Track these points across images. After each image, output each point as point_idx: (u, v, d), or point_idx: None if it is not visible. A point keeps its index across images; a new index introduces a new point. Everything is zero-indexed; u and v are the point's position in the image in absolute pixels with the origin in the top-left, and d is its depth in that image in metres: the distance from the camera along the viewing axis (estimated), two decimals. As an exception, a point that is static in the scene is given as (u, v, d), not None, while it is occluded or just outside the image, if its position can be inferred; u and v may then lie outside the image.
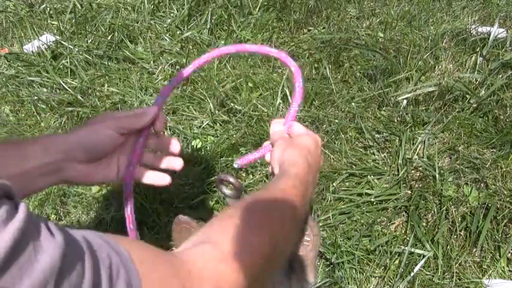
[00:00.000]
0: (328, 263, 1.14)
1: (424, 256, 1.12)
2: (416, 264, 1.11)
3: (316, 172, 0.71)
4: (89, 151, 0.63)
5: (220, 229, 0.50)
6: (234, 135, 1.46)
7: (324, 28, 2.06)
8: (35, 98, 1.67)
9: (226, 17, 2.08)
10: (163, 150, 0.75)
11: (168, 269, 0.43)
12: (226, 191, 0.77)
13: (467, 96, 1.55)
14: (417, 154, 1.38)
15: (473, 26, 1.94)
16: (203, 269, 0.45)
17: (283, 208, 0.56)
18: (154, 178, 0.75)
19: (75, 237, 0.35)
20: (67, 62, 1.83)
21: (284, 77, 1.67)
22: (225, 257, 0.46)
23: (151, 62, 1.83)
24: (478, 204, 1.20)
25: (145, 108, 0.71)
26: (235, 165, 0.76)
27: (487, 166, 1.28)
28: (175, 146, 0.74)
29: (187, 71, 0.77)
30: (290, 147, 0.71)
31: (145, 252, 0.42)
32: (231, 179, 0.75)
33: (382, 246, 1.16)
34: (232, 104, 1.57)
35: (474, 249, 1.14)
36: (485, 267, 1.11)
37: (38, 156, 0.59)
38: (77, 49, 1.88)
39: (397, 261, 1.13)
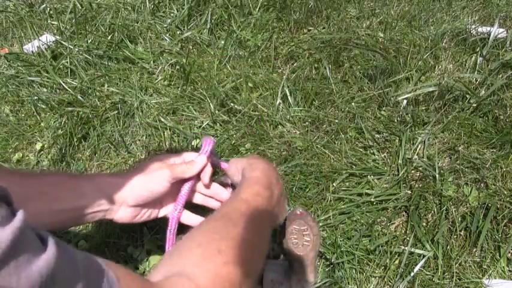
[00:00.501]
0: (328, 263, 1.14)
1: (424, 256, 1.12)
2: (416, 264, 1.10)
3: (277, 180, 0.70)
4: (140, 199, 0.67)
5: (192, 260, 0.50)
6: (234, 135, 1.47)
7: (324, 28, 2.06)
8: (35, 98, 1.67)
9: (226, 17, 2.07)
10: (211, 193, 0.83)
11: None
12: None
13: (467, 96, 1.55)
14: (417, 154, 1.38)
15: (473, 26, 1.94)
16: None
17: (250, 223, 0.56)
18: (193, 220, 0.81)
19: (69, 252, 0.36)
20: (67, 62, 1.83)
21: (284, 77, 1.67)
22: None
23: (151, 62, 1.83)
24: (478, 204, 1.20)
25: (196, 157, 0.77)
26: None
27: (487, 166, 1.28)
28: (222, 195, 0.82)
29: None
30: (247, 158, 0.73)
31: (132, 282, 0.43)
32: (231, 182, 0.77)
33: (382, 246, 1.16)
34: (232, 104, 1.57)
35: (474, 249, 1.14)
36: (485, 267, 1.11)
37: (92, 195, 0.63)
38: (77, 49, 1.88)
39: (397, 261, 1.13)
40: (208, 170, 0.77)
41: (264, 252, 0.62)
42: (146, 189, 0.67)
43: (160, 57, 1.87)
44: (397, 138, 1.43)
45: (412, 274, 1.09)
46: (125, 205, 0.66)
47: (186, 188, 0.74)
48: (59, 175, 0.64)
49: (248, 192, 0.60)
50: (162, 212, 0.78)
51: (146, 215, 0.74)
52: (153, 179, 0.68)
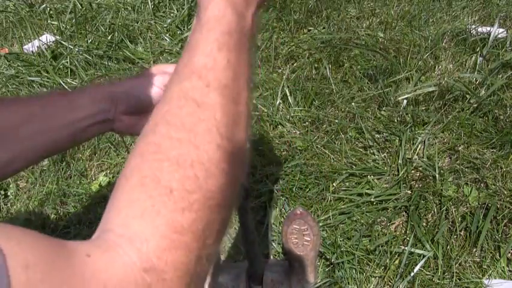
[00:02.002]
0: (328, 263, 1.14)
1: (424, 256, 1.12)
2: (416, 264, 1.10)
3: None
4: (132, 104, 0.64)
5: (131, 209, 0.33)
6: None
7: (324, 28, 2.06)
8: (35, 98, 1.67)
9: (226, 17, 2.07)
10: None
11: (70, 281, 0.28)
12: None
13: (467, 96, 1.55)
14: (417, 154, 1.38)
15: (473, 26, 1.94)
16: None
17: (220, 106, 0.37)
18: None
19: None
20: (67, 62, 1.83)
21: (284, 77, 1.67)
22: (150, 264, 0.30)
23: (151, 62, 1.83)
24: (478, 204, 1.20)
25: None
26: None
27: (487, 166, 1.28)
28: None
29: None
30: None
31: (38, 252, 0.28)
32: None
33: (382, 246, 1.16)
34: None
35: (474, 249, 1.14)
36: (485, 267, 1.11)
37: (86, 106, 0.60)
38: (77, 49, 1.88)
39: (397, 261, 1.13)
40: None
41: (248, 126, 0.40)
42: (136, 94, 0.64)
43: (160, 57, 1.87)
44: (397, 138, 1.43)
45: (412, 274, 1.09)
46: (118, 112, 0.64)
47: None
48: (49, 95, 0.61)
49: (204, 29, 0.39)
50: None
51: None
52: (144, 84, 0.64)
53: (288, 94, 1.59)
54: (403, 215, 1.24)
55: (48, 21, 2.17)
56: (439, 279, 1.09)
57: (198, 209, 0.33)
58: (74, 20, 2.03)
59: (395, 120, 1.51)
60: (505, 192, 1.20)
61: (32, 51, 1.93)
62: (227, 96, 0.38)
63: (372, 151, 1.41)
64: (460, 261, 1.11)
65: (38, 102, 0.59)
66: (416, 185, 1.29)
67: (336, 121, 1.48)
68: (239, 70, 0.39)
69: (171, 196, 0.32)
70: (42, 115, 0.58)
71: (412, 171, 1.33)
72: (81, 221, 1.26)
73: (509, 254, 1.14)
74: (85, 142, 1.15)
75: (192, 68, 0.38)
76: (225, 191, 0.36)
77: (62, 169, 1.43)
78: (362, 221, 1.21)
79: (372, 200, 1.24)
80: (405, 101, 1.56)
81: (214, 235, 0.34)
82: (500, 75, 1.64)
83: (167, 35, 1.99)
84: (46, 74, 1.79)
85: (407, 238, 1.16)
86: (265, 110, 1.54)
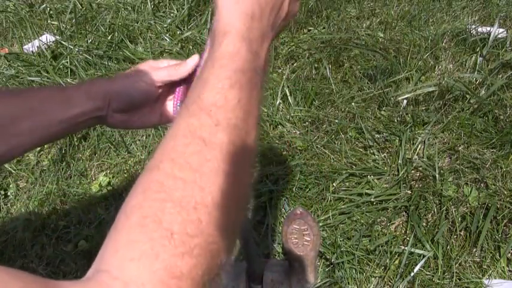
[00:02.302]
0: (328, 263, 1.14)
1: (424, 256, 1.12)
2: (416, 264, 1.10)
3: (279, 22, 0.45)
4: (124, 102, 0.65)
5: (128, 251, 0.31)
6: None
7: (324, 28, 2.06)
8: (35, 98, 1.67)
9: (226, 17, 2.07)
10: None
11: None
12: None
13: (467, 96, 1.55)
14: (417, 154, 1.38)
15: (473, 26, 1.94)
16: None
17: (226, 153, 0.35)
18: None
19: None
20: (67, 62, 1.83)
21: (284, 77, 1.67)
22: None
23: (151, 62, 1.84)
24: (478, 204, 1.20)
25: (188, 59, 0.66)
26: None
27: (487, 166, 1.28)
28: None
29: None
30: None
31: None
32: None
33: (382, 246, 1.16)
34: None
35: (474, 249, 1.14)
36: (485, 267, 1.11)
37: (82, 103, 0.62)
38: (77, 49, 1.88)
39: (397, 261, 1.13)
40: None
41: (249, 183, 0.39)
42: (128, 93, 0.64)
43: (160, 57, 1.87)
44: (397, 138, 1.43)
45: (412, 274, 1.09)
46: (111, 111, 0.65)
47: (178, 92, 0.67)
48: (48, 90, 0.63)
49: (213, 74, 0.38)
50: (156, 118, 0.71)
51: (140, 120, 0.70)
52: (135, 83, 0.64)
53: (288, 94, 1.59)
54: (403, 215, 1.24)
55: (48, 21, 2.17)
56: (439, 279, 1.09)
57: (199, 254, 0.31)
58: (74, 20, 2.03)
59: (395, 120, 1.51)
60: (505, 192, 1.20)
61: (32, 51, 1.93)
62: (236, 137, 0.36)
63: (372, 151, 1.41)
64: (460, 261, 1.11)
65: (37, 97, 0.61)
66: (416, 185, 1.29)
67: (336, 121, 1.48)
68: (249, 109, 0.38)
69: (171, 239, 0.30)
70: (41, 110, 0.60)
71: (412, 171, 1.33)
72: (81, 221, 1.26)
73: (509, 254, 1.14)
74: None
75: (201, 104, 0.37)
76: (228, 234, 0.34)
77: (62, 169, 1.43)
78: (362, 221, 1.21)
79: (372, 200, 1.24)
80: (405, 101, 1.56)
81: (213, 278, 0.33)
82: (500, 75, 1.64)
83: (167, 35, 1.99)
84: (46, 74, 1.79)
85: (407, 238, 1.16)
86: (265, 110, 1.54)
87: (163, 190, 0.33)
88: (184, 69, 0.65)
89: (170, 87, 0.68)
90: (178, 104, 0.67)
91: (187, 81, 0.66)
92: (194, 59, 0.65)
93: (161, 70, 0.66)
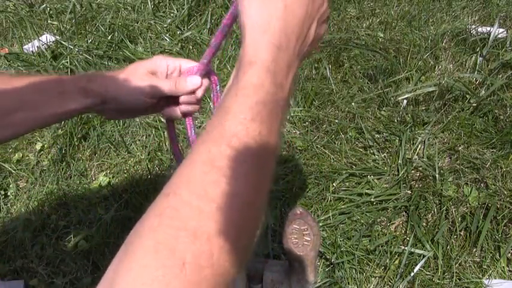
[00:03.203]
0: (328, 263, 1.14)
1: (424, 256, 1.12)
2: (416, 264, 1.10)
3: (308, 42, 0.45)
4: (120, 105, 0.66)
5: (140, 277, 0.30)
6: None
7: (324, 28, 2.05)
8: (35, 98, 1.67)
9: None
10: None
11: None
12: None
13: (467, 96, 1.55)
14: (417, 154, 1.38)
15: (473, 26, 1.94)
16: None
17: (244, 180, 0.35)
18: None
19: None
20: (67, 62, 1.83)
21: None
22: None
23: (151, 62, 1.83)
24: (478, 204, 1.20)
25: (188, 77, 0.64)
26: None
27: (487, 166, 1.28)
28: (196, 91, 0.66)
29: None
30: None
31: None
32: None
33: (382, 246, 1.16)
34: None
35: (474, 249, 1.14)
36: (485, 267, 1.11)
37: (78, 99, 0.63)
38: (77, 49, 1.89)
39: (397, 261, 1.13)
40: (203, 88, 0.65)
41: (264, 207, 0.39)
42: (127, 101, 0.64)
43: (160, 57, 1.87)
44: (397, 138, 1.43)
45: (412, 274, 1.09)
46: (108, 108, 0.65)
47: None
48: (43, 81, 0.62)
49: (237, 112, 0.37)
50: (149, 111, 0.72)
51: (132, 116, 0.73)
52: (134, 94, 0.63)
53: (288, 94, 1.59)
54: (403, 215, 1.24)
55: (48, 21, 2.17)
56: (439, 279, 1.09)
57: (208, 284, 0.32)
58: (74, 20, 2.04)
59: (395, 120, 1.51)
60: (505, 192, 1.20)
61: (32, 51, 1.93)
62: (254, 167, 0.37)
63: (372, 151, 1.41)
64: (460, 261, 1.11)
65: (30, 88, 0.61)
66: (416, 185, 1.29)
67: (336, 121, 1.48)
68: (268, 141, 0.38)
69: (183, 269, 0.31)
70: (34, 103, 0.61)
71: (412, 171, 1.33)
72: (81, 221, 1.26)
73: (509, 254, 1.14)
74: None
75: (223, 133, 0.37)
76: (239, 260, 0.35)
77: (62, 169, 1.43)
78: (362, 221, 1.21)
79: (372, 200, 1.24)
80: (405, 101, 1.56)
81: None
82: (500, 75, 1.64)
83: (167, 35, 1.99)
84: (46, 74, 1.79)
85: (407, 238, 1.16)
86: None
87: (179, 217, 0.33)
88: (183, 89, 0.65)
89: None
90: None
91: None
92: (195, 81, 0.64)
93: (161, 85, 0.65)
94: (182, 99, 0.67)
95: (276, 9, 0.41)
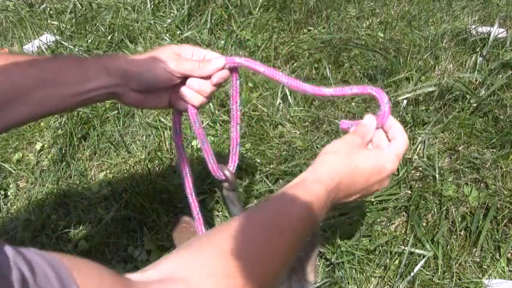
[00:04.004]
0: (328, 263, 1.14)
1: (424, 256, 1.12)
2: (416, 264, 1.11)
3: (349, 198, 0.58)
4: (142, 84, 0.66)
5: (199, 261, 0.41)
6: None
7: (324, 28, 2.06)
8: (35, 98, 1.67)
9: (226, 17, 2.08)
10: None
11: None
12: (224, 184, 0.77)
13: (467, 96, 1.55)
14: (417, 154, 1.38)
15: (473, 26, 1.94)
16: None
17: (277, 246, 0.46)
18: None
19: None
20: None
21: (284, 77, 1.67)
22: None
23: (151, 62, 1.83)
24: (478, 204, 1.20)
25: (214, 58, 0.68)
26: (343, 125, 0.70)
27: (487, 166, 1.28)
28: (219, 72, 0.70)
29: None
30: (349, 157, 0.56)
31: (93, 274, 0.35)
32: (226, 172, 0.76)
33: (382, 246, 1.16)
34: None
35: (474, 249, 1.14)
36: (485, 267, 1.11)
37: (99, 78, 0.62)
38: (77, 49, 1.88)
39: (397, 261, 1.13)
40: (223, 74, 0.68)
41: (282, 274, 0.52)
42: (149, 77, 0.64)
43: (160, 57, 1.87)
44: (397, 138, 1.43)
45: (412, 274, 1.09)
46: (128, 89, 0.65)
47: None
48: (63, 60, 0.62)
49: (294, 210, 0.50)
50: (167, 101, 0.72)
51: (154, 102, 0.70)
52: (158, 69, 0.64)
53: (288, 94, 1.59)
54: (403, 215, 1.24)
55: (48, 21, 2.17)
56: (439, 279, 1.09)
57: None
58: (74, 20, 2.04)
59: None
60: (505, 192, 1.20)
61: (32, 51, 1.93)
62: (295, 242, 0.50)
63: (372, 151, 1.41)
64: (460, 261, 1.11)
65: (52, 67, 0.60)
66: (416, 185, 1.29)
67: (336, 121, 1.48)
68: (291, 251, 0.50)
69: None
70: (54, 82, 0.59)
71: (412, 171, 1.33)
72: (81, 221, 1.26)
73: (509, 254, 1.14)
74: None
75: (277, 219, 0.49)
76: None
77: (62, 169, 1.43)
78: (362, 221, 1.21)
79: (372, 200, 1.24)
80: (405, 101, 1.56)
81: None
82: (500, 75, 1.64)
83: (167, 35, 1.99)
84: (46, 74, 1.79)
85: (407, 238, 1.16)
86: (265, 110, 1.54)
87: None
88: (208, 69, 0.67)
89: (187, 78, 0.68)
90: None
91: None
92: (219, 62, 0.66)
93: (185, 62, 0.66)
94: (194, 85, 0.69)
95: (349, 166, 0.55)
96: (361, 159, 0.57)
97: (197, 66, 0.66)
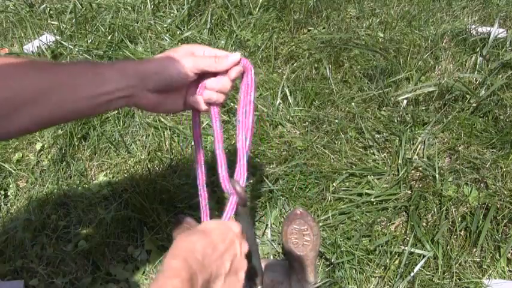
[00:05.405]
0: (328, 263, 1.14)
1: (424, 256, 1.12)
2: (416, 264, 1.11)
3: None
4: (161, 83, 0.65)
5: None
6: (234, 135, 1.46)
7: (324, 28, 2.06)
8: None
9: (226, 17, 2.08)
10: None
11: None
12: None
13: (467, 96, 1.55)
14: (417, 154, 1.38)
15: (473, 26, 1.94)
16: None
17: None
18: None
19: None
20: (67, 62, 1.83)
21: (284, 77, 1.67)
22: None
23: (151, 62, 1.83)
24: (478, 204, 1.20)
25: (228, 54, 0.70)
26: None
27: (487, 166, 1.28)
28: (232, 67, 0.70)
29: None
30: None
31: None
32: (237, 187, 0.72)
33: (382, 246, 1.16)
34: (232, 104, 1.57)
35: (474, 249, 1.14)
36: (485, 267, 1.11)
37: (115, 79, 0.62)
38: (77, 49, 1.89)
39: (397, 261, 1.13)
40: (239, 68, 0.69)
41: None
42: (166, 75, 0.65)
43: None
44: (397, 138, 1.43)
45: (412, 274, 1.09)
46: (146, 90, 0.65)
47: (202, 84, 0.70)
48: (79, 65, 0.63)
49: None
50: (182, 104, 0.72)
51: (170, 105, 0.70)
52: (174, 66, 0.65)
53: (288, 94, 1.59)
54: (403, 215, 1.24)
55: (48, 21, 2.17)
56: (439, 279, 1.09)
57: None
58: (74, 20, 2.04)
59: (395, 120, 1.51)
60: (505, 192, 1.20)
61: (32, 51, 1.93)
62: None
63: (372, 151, 1.41)
64: (460, 261, 1.11)
65: (67, 71, 0.61)
66: (416, 185, 1.29)
67: (336, 121, 1.48)
68: None
69: None
70: (70, 85, 0.59)
71: (412, 171, 1.33)
72: (81, 221, 1.26)
73: (509, 254, 1.14)
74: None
75: None
76: None
77: (62, 169, 1.43)
78: (362, 221, 1.21)
79: (372, 200, 1.24)
80: (405, 101, 1.56)
81: None
82: (500, 75, 1.64)
83: (167, 35, 1.99)
84: (46, 74, 1.79)
85: (407, 238, 1.16)
86: (265, 110, 1.54)
87: None
88: (224, 64, 0.68)
89: (202, 76, 0.69)
90: (202, 92, 0.70)
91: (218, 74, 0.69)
92: (235, 57, 0.67)
93: (201, 58, 0.68)
94: (216, 84, 0.69)
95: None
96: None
97: (213, 61, 0.67)
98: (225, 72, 0.69)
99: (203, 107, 0.72)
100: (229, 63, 0.68)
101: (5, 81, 0.54)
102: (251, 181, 1.32)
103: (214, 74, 0.69)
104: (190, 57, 0.67)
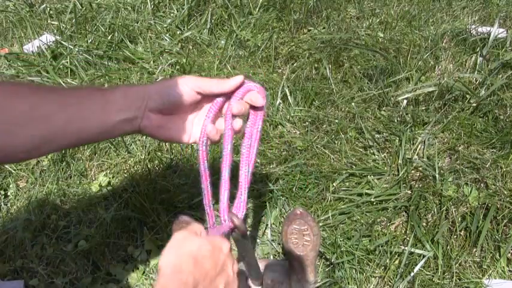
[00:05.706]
0: (328, 263, 1.14)
1: (424, 256, 1.12)
2: (416, 264, 1.10)
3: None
4: (164, 102, 0.66)
5: None
6: (234, 135, 1.46)
7: (324, 28, 2.06)
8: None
9: (226, 17, 2.08)
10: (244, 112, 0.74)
11: None
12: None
13: (467, 96, 1.55)
14: (417, 154, 1.38)
15: (473, 26, 1.94)
16: None
17: None
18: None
19: None
20: (67, 62, 1.83)
21: (284, 77, 1.67)
22: None
23: (151, 62, 1.84)
24: (478, 204, 1.20)
25: (232, 78, 0.70)
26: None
27: (487, 166, 1.28)
28: (257, 99, 0.71)
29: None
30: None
31: None
32: (235, 220, 0.71)
33: (382, 246, 1.16)
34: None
35: (474, 249, 1.14)
36: (485, 267, 1.11)
37: (118, 100, 0.62)
38: (77, 49, 1.89)
39: (397, 261, 1.13)
40: (242, 91, 0.70)
41: None
42: (169, 92, 0.65)
43: (160, 57, 1.87)
44: (397, 138, 1.43)
45: (412, 274, 1.09)
46: (147, 110, 0.65)
47: (215, 104, 0.69)
48: (84, 89, 0.65)
49: None
50: (185, 135, 0.72)
51: (173, 130, 0.70)
52: (177, 84, 0.66)
53: (288, 94, 1.59)
54: (403, 215, 1.24)
55: (48, 21, 2.17)
56: (439, 279, 1.09)
57: None
58: (74, 20, 2.04)
59: (395, 120, 1.51)
60: (505, 192, 1.20)
61: (32, 51, 1.93)
62: None
63: (372, 151, 1.41)
64: (460, 261, 1.11)
65: (74, 94, 0.62)
66: (416, 185, 1.29)
67: (336, 121, 1.48)
68: None
69: None
70: (77, 106, 0.60)
71: (412, 171, 1.33)
72: (81, 221, 1.26)
73: (509, 254, 1.14)
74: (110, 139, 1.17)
75: None
76: None
77: (62, 169, 1.43)
78: (362, 221, 1.21)
79: (372, 200, 1.24)
80: (405, 101, 1.56)
81: None
82: (500, 75, 1.64)
83: (167, 35, 1.99)
84: (46, 74, 1.79)
85: (407, 238, 1.16)
86: (265, 110, 1.54)
87: None
88: (226, 85, 0.69)
89: (206, 99, 0.69)
90: (210, 115, 0.70)
91: (223, 96, 0.69)
92: (237, 80, 0.68)
93: (203, 79, 0.68)
94: (238, 107, 0.71)
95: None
96: None
97: (215, 83, 0.68)
98: (230, 94, 0.69)
99: (216, 137, 0.73)
100: (233, 85, 0.68)
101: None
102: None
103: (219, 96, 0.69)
104: (193, 77, 0.67)
